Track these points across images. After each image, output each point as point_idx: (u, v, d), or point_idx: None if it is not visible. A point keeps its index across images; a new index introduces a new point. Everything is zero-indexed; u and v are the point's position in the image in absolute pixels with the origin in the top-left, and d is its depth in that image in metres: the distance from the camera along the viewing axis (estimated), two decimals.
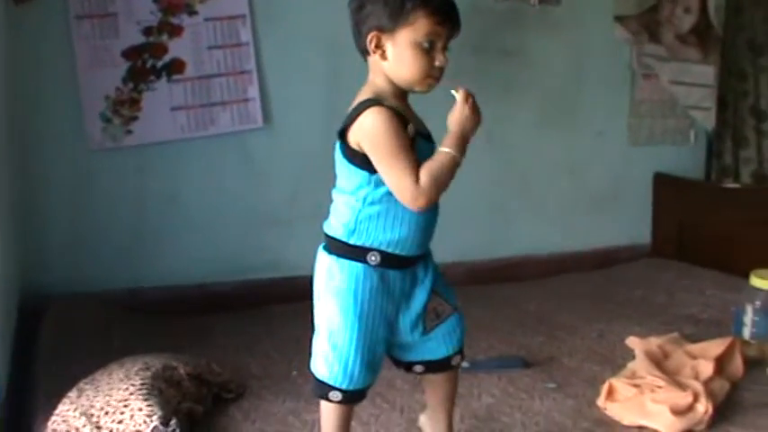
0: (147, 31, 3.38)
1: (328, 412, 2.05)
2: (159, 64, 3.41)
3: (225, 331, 3.19)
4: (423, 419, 2.31)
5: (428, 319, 2.08)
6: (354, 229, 1.95)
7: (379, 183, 1.90)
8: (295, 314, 3.33)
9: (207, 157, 3.54)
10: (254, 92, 3.53)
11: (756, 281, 3.01)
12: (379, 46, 1.92)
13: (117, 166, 3.42)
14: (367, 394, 2.07)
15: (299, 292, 3.50)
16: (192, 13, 3.43)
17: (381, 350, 2.05)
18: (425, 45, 1.89)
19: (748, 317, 3.01)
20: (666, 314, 3.46)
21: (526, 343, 3.12)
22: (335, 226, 1.98)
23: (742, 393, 2.68)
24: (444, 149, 1.89)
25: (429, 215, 1.98)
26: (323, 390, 2.02)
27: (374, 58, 1.95)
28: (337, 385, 1.99)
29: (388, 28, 1.90)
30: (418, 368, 2.15)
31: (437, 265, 2.12)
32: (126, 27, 3.36)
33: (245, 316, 3.36)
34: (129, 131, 3.40)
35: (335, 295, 1.97)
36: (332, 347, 1.98)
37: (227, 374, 2.67)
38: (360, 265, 1.95)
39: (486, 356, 2.97)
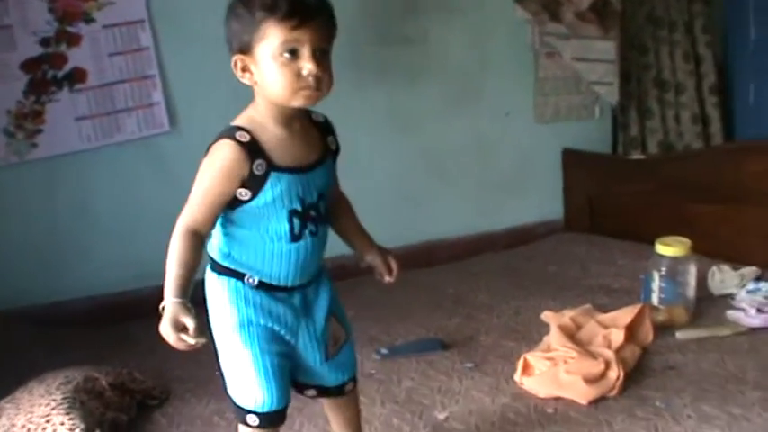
0: (45, 41, 3.33)
1: None
2: (60, 74, 3.37)
3: (146, 337, 3.14)
4: None
5: (329, 345, 1.98)
6: (228, 253, 1.86)
7: (240, 215, 1.82)
8: None
9: (116, 165, 3.51)
10: (158, 96, 3.51)
11: (661, 248, 3.09)
12: (245, 69, 1.76)
13: (24, 180, 3.38)
14: (286, 417, 1.95)
15: None
16: (90, 20, 3.38)
17: (286, 366, 1.92)
18: (286, 56, 1.69)
19: (655, 283, 3.10)
20: (580, 286, 3.54)
21: (444, 325, 3.17)
22: (213, 246, 1.89)
23: (652, 357, 2.78)
24: (172, 295, 1.74)
25: (309, 252, 1.86)
26: (240, 414, 1.92)
27: (246, 83, 1.79)
28: (251, 408, 1.89)
29: (247, 47, 1.72)
30: (310, 392, 2.05)
31: (332, 284, 2.02)
32: (23, 39, 3.30)
33: None
34: (35, 145, 3.36)
35: (224, 313, 1.86)
36: (235, 369, 1.89)
37: (150, 381, 2.67)
38: (239, 282, 1.85)
39: (405, 341, 3.02)
